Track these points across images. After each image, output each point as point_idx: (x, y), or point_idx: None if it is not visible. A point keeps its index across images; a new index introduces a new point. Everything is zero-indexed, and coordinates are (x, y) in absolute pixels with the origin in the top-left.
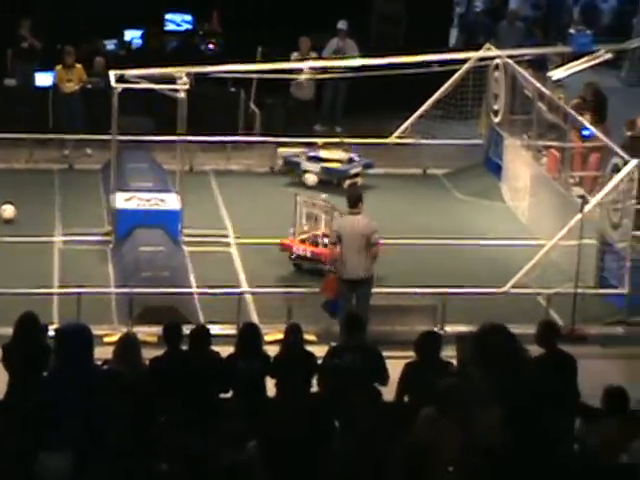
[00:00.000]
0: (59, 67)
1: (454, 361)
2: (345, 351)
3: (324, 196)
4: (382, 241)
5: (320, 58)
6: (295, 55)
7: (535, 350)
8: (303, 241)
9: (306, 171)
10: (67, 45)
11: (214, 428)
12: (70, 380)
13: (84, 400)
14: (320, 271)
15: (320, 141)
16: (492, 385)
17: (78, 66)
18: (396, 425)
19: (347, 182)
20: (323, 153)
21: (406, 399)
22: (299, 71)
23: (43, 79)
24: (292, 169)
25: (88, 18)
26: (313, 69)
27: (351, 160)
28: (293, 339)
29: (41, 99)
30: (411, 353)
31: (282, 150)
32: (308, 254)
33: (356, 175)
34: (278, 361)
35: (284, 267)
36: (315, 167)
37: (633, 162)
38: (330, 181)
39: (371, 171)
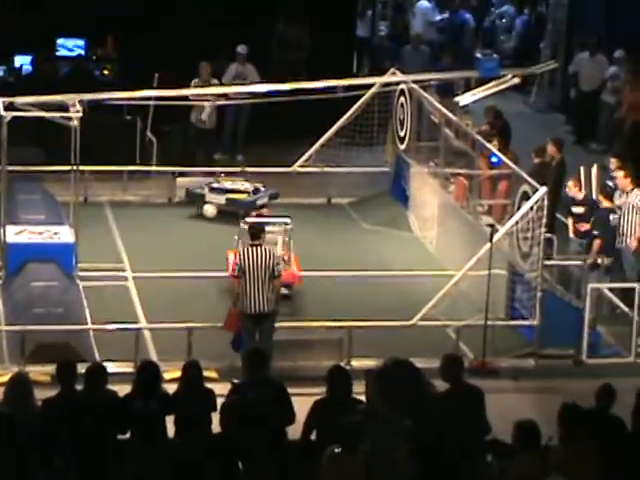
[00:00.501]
0: None
1: (363, 397)
2: (248, 388)
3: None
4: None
5: (221, 84)
6: (195, 81)
7: (443, 385)
8: None
9: (206, 202)
10: None
11: (112, 471)
12: None
13: None
14: None
15: (220, 170)
16: (398, 421)
17: None
18: (302, 464)
19: (253, 214)
20: (227, 184)
21: (313, 437)
22: (200, 99)
23: None
24: (194, 201)
25: None
26: (214, 96)
27: (257, 190)
28: (192, 376)
29: None
30: (316, 389)
31: (183, 180)
32: None
33: (263, 206)
34: (177, 399)
35: (184, 301)
36: (220, 199)
37: (542, 190)
38: (236, 212)
39: (274, 201)
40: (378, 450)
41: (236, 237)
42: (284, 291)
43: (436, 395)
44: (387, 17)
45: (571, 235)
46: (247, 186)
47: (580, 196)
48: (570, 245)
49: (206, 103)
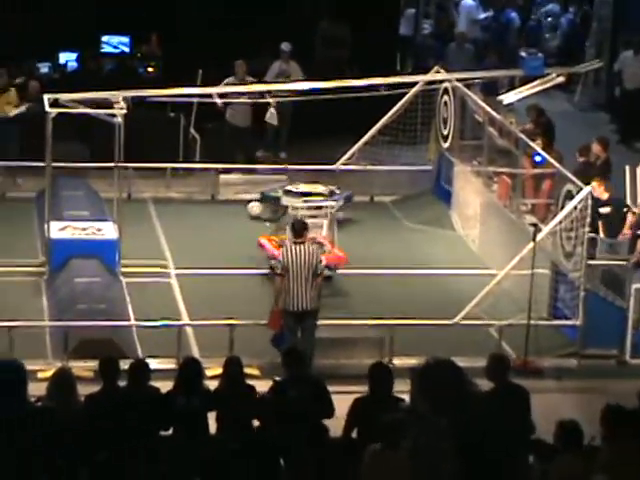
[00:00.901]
0: None
1: (405, 396)
2: (289, 385)
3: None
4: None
5: (260, 82)
6: (230, 79)
7: (486, 384)
8: (280, 246)
9: (251, 201)
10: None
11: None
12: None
13: (16, 439)
14: None
15: (262, 167)
16: (439, 419)
17: (12, 90)
18: (343, 461)
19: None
20: (302, 187)
21: (354, 435)
22: (236, 97)
23: None
24: (269, 203)
25: (20, 39)
26: (255, 94)
27: (332, 193)
28: (233, 372)
29: None
30: (357, 387)
31: (226, 177)
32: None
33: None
34: (218, 396)
35: (226, 298)
36: (296, 202)
37: (586, 189)
38: (315, 215)
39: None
40: (420, 448)
41: (267, 224)
42: (328, 273)
43: (480, 394)
44: (430, 15)
45: (601, 235)
46: (323, 189)
47: (605, 196)
48: (599, 245)
49: (271, 100)
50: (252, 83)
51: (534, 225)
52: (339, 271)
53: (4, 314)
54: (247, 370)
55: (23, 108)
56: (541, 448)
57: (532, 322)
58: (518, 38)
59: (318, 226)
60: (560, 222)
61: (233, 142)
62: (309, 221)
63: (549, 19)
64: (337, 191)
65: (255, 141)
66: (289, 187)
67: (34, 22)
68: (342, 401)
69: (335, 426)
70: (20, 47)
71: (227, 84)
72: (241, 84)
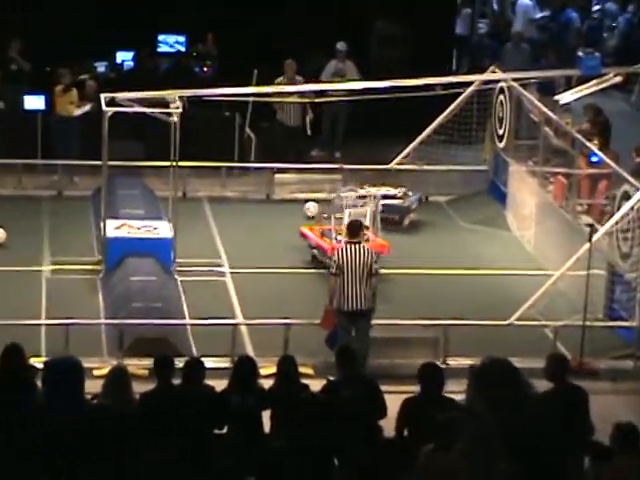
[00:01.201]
0: (58, 89)
1: (457, 396)
2: (342, 385)
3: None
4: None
5: (311, 81)
6: (280, 79)
7: (543, 385)
8: (322, 234)
9: (307, 200)
10: (60, 67)
11: (209, 465)
12: (59, 413)
13: (73, 434)
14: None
15: (317, 167)
16: (496, 420)
17: (74, 89)
18: (397, 461)
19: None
20: (373, 190)
21: (405, 434)
22: (286, 96)
23: (32, 102)
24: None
25: (78, 39)
26: (309, 93)
27: (406, 195)
28: (287, 371)
29: (30, 123)
30: (412, 387)
31: (281, 177)
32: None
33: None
34: (272, 394)
35: (281, 297)
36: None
37: None
38: (391, 218)
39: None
40: (474, 448)
41: (325, 215)
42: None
43: (537, 395)
44: (487, 15)
45: None
46: (396, 191)
47: None
48: None
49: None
50: (301, 83)
51: (590, 226)
52: (395, 271)
53: (61, 312)
54: (301, 369)
55: (87, 107)
56: (598, 449)
57: (588, 323)
58: (577, 38)
59: (362, 215)
60: (616, 223)
61: (285, 141)
62: (352, 210)
63: (607, 19)
64: (410, 193)
65: (308, 140)
66: (361, 191)
67: (92, 21)
68: (396, 401)
69: (389, 427)
70: (79, 46)
71: (278, 84)
72: (290, 84)
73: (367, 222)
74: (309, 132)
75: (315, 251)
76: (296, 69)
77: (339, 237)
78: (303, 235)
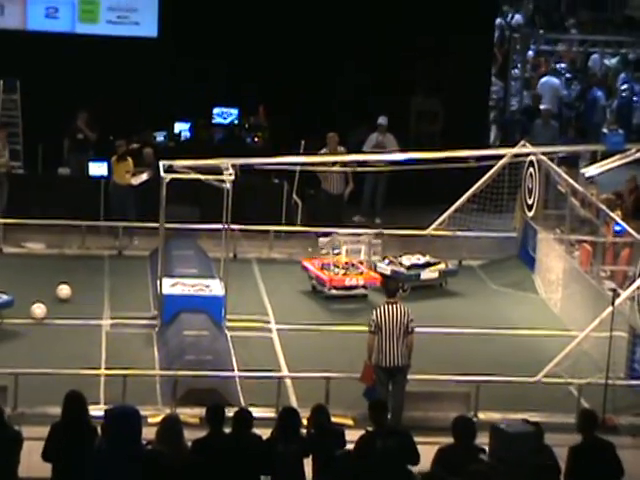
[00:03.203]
0: (113, 159)
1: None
2: (378, 436)
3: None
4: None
5: (351, 152)
6: (324, 150)
7: (564, 439)
8: (322, 266)
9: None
10: (118, 139)
11: None
12: (118, 459)
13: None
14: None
15: (360, 232)
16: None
17: (129, 158)
18: None
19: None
20: (405, 259)
21: None
22: (330, 166)
23: (96, 169)
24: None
25: (140, 110)
26: (350, 163)
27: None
28: (318, 418)
29: (94, 188)
30: (444, 439)
31: (325, 240)
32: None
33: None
34: (310, 441)
35: (323, 352)
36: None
37: None
38: (432, 285)
39: None
40: None
41: (310, 249)
42: (363, 291)
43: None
44: (517, 92)
45: None
46: (429, 259)
47: None
48: None
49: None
50: (342, 153)
51: (613, 290)
52: (430, 330)
53: (119, 362)
54: (342, 420)
55: (144, 176)
56: None
57: (610, 382)
58: (602, 115)
59: (356, 251)
60: (638, 288)
61: (328, 208)
62: (350, 247)
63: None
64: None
65: (349, 207)
66: (403, 260)
67: (152, 94)
68: (429, 451)
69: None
70: (140, 117)
71: (321, 154)
72: (333, 154)
73: (362, 256)
74: (346, 200)
75: (314, 282)
76: (338, 141)
77: (336, 270)
78: (305, 268)
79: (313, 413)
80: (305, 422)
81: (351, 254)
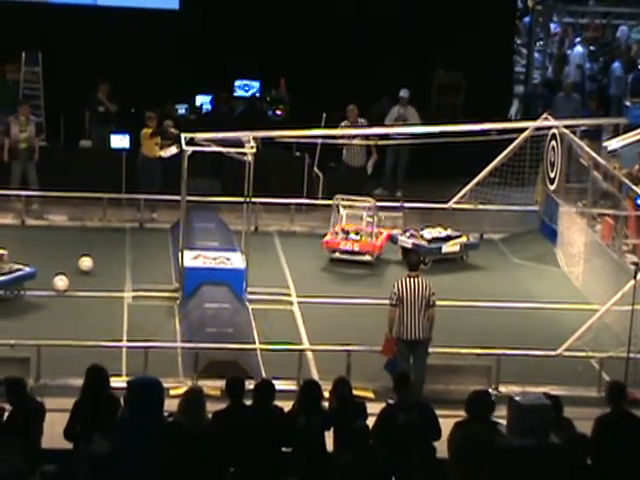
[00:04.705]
0: (146, 132)
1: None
2: (399, 409)
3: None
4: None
5: (373, 125)
6: (344, 123)
7: (585, 412)
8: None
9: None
10: (144, 109)
11: None
12: (141, 430)
13: (152, 450)
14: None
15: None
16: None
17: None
18: None
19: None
20: (429, 233)
21: None
22: (350, 139)
23: (118, 141)
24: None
25: (161, 83)
26: (374, 136)
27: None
28: (340, 391)
29: (115, 160)
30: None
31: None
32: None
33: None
34: (332, 413)
35: (345, 325)
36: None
37: None
38: (454, 259)
39: None
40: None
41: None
42: (367, 258)
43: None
44: (541, 65)
45: None
46: (450, 232)
47: None
48: None
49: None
50: (364, 125)
51: (635, 264)
52: (451, 303)
53: (141, 335)
54: (363, 393)
55: (173, 149)
56: None
57: (632, 355)
58: (624, 88)
59: (358, 217)
60: None
61: (349, 181)
62: (350, 211)
63: None
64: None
65: (370, 180)
66: (425, 234)
67: (174, 67)
68: (450, 425)
69: (442, 449)
70: (162, 90)
71: (342, 127)
72: (353, 127)
73: (363, 224)
74: (369, 172)
75: (335, 255)
76: (358, 113)
77: (341, 235)
78: (326, 243)
79: (335, 386)
80: (327, 395)
81: (350, 219)
